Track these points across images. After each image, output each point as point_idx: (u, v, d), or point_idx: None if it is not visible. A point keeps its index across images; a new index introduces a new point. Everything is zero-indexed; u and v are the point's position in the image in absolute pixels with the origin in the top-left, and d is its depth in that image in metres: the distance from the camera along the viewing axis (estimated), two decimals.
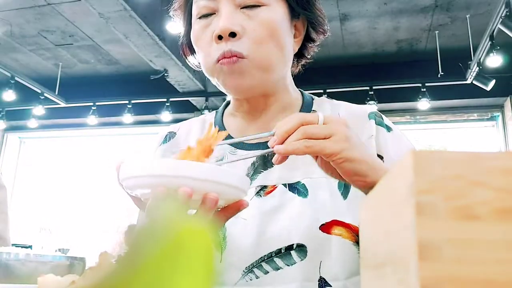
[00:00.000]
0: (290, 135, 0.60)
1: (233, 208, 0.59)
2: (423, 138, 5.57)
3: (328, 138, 0.60)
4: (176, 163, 0.54)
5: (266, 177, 0.80)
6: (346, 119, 0.63)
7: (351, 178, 0.63)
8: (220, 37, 0.76)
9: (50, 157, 6.44)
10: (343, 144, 0.59)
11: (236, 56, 0.75)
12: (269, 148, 0.63)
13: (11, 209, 1.46)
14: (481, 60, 4.03)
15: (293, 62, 0.90)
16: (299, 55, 0.90)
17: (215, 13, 0.79)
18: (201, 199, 0.54)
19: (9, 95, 4.75)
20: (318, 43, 0.90)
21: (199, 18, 0.81)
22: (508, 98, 4.94)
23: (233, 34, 0.75)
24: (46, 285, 0.57)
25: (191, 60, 0.93)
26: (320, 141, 0.59)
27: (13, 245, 1.44)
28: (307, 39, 0.88)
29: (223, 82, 0.79)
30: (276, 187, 0.79)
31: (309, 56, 0.92)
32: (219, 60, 0.76)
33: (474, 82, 4.22)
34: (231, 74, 0.77)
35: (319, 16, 0.86)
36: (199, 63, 0.90)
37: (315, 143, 0.59)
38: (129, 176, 0.56)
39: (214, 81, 0.82)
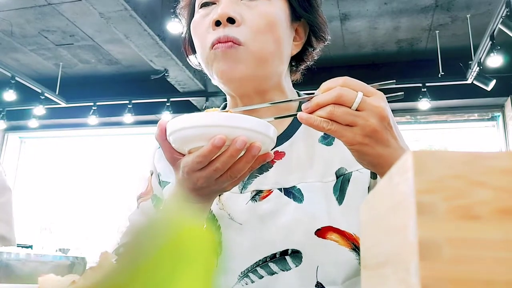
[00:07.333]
0: (321, 107, 0.58)
1: (262, 159, 0.65)
2: (423, 138, 5.57)
3: (352, 126, 0.58)
4: (234, 116, 0.60)
5: (261, 182, 0.79)
6: (385, 107, 0.59)
7: (367, 167, 0.63)
8: (217, 24, 0.75)
9: (51, 157, 6.44)
10: (362, 139, 0.58)
11: (232, 41, 0.74)
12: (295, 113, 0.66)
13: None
14: (482, 60, 4.03)
15: (293, 68, 0.90)
16: (299, 60, 0.89)
17: (216, 3, 0.79)
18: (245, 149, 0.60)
19: (10, 95, 4.75)
20: (318, 50, 0.90)
21: (200, 7, 0.81)
22: (509, 98, 4.94)
23: (231, 20, 0.75)
24: (46, 285, 0.57)
25: (192, 59, 0.92)
26: (341, 128, 0.58)
27: None
28: (308, 44, 0.88)
29: (216, 69, 0.76)
30: (272, 191, 0.78)
31: (308, 62, 0.91)
32: (213, 46, 0.75)
33: (475, 82, 4.22)
34: (224, 59, 0.74)
35: (321, 22, 0.86)
36: (199, 63, 0.89)
37: (336, 128, 0.58)
38: (188, 126, 0.59)
39: (209, 73, 0.81)
